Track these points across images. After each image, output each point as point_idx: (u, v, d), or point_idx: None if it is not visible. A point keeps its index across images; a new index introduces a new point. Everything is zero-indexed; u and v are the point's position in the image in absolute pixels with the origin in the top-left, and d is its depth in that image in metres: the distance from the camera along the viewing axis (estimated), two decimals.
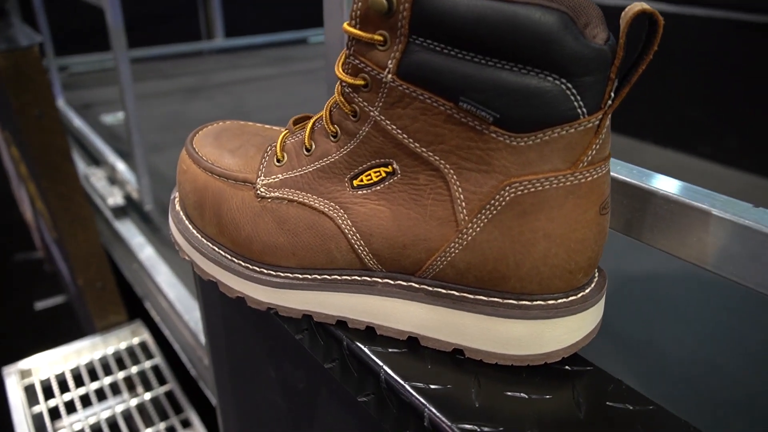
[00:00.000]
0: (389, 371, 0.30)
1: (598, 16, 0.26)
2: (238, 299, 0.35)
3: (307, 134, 0.32)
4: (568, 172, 0.26)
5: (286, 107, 2.06)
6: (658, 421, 0.27)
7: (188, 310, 1.06)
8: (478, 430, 0.26)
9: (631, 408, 0.28)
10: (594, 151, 0.26)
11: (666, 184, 0.32)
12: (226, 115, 1.98)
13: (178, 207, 0.38)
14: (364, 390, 0.32)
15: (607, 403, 0.28)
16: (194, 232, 0.36)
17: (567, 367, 0.30)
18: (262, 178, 0.33)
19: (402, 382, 0.29)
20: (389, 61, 0.26)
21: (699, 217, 0.31)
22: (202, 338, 0.99)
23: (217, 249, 0.35)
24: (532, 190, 0.27)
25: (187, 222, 0.37)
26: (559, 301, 0.29)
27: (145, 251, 1.23)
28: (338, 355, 0.33)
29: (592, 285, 0.30)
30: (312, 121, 0.33)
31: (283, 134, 0.34)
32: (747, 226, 0.29)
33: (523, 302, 0.29)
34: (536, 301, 0.29)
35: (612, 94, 0.25)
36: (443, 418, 0.27)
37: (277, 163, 0.33)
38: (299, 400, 0.41)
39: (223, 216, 0.34)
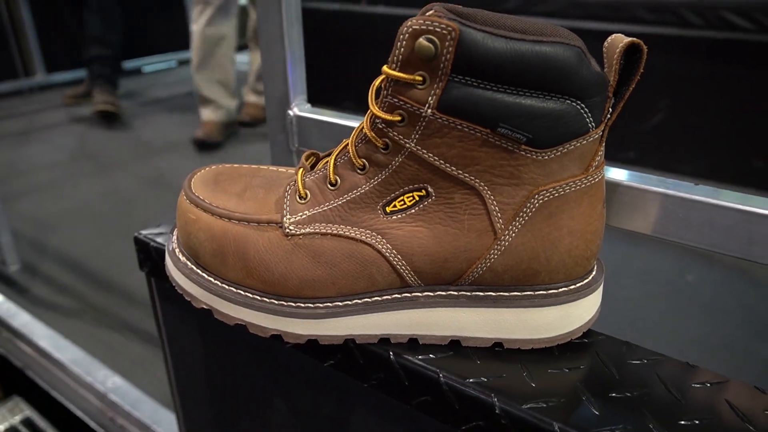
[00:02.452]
0: (447, 373, 0.33)
1: (585, 46, 0.31)
2: (273, 337, 0.36)
3: (330, 170, 0.34)
4: (582, 176, 0.32)
5: (138, 143, 1.95)
6: (668, 366, 0.34)
7: (89, 371, 0.98)
8: (545, 406, 0.31)
9: (646, 361, 0.34)
10: (599, 157, 0.32)
11: (625, 175, 0.39)
12: (73, 158, 1.82)
13: (183, 258, 0.38)
14: (418, 396, 0.35)
15: (628, 361, 0.34)
16: (212, 279, 0.36)
17: (585, 339, 0.36)
18: (289, 216, 0.35)
19: (462, 381, 0.33)
20: (430, 98, 0.30)
21: (657, 199, 0.38)
22: (113, 397, 0.92)
23: (244, 292, 0.35)
24: (556, 195, 0.32)
25: (200, 271, 0.37)
26: (579, 284, 0.34)
27: (18, 318, 1.11)
28: (383, 370, 0.35)
29: (596, 267, 0.36)
30: (333, 157, 0.35)
31: (300, 172, 0.36)
32: (697, 200, 0.36)
33: (551, 291, 0.34)
34: (561, 288, 0.34)
35: (610, 110, 0.31)
36: (513, 403, 0.31)
37: (300, 200, 0.35)
38: (324, 424, 0.43)
39: (251, 259, 0.35)
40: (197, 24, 1.80)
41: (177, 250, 0.38)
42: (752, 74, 1.43)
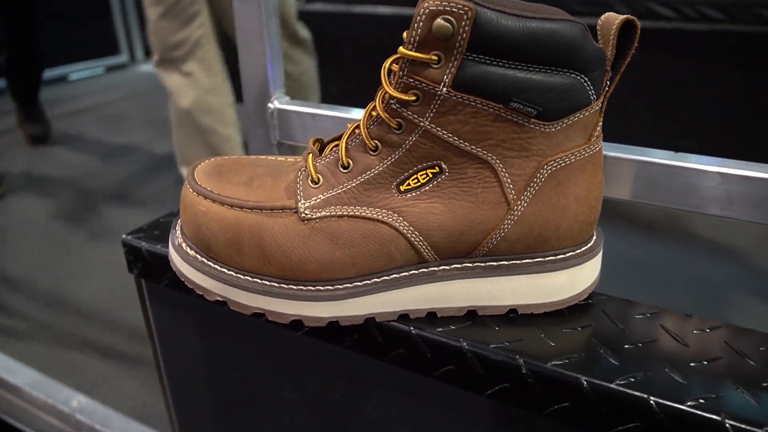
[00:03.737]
0: (470, 341, 0.34)
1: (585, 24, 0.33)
2: (293, 322, 0.36)
3: (342, 153, 0.35)
4: (586, 146, 0.34)
5: (70, 155, 1.87)
6: (668, 317, 0.36)
7: (50, 393, 0.93)
8: (568, 362, 0.33)
9: (648, 315, 0.37)
10: (599, 127, 0.34)
11: (608, 147, 0.41)
12: (9, 174, 1.72)
13: (192, 252, 0.37)
14: (441, 367, 0.36)
15: (633, 315, 0.36)
16: (226, 270, 0.36)
17: (590, 301, 0.38)
18: (303, 201, 0.35)
19: (485, 347, 0.34)
20: (445, 76, 0.31)
21: (642, 167, 0.41)
22: (81, 417, 0.88)
23: (261, 280, 0.36)
24: (563, 164, 0.34)
25: (212, 263, 0.36)
26: (584, 248, 0.36)
27: None
28: (404, 345, 0.36)
29: (595, 233, 0.38)
30: (344, 139, 0.35)
31: (310, 158, 0.36)
32: (678, 166, 0.39)
33: (560, 256, 0.36)
34: (569, 253, 0.36)
35: (608, 83, 0.34)
36: (537, 362, 0.33)
37: (313, 185, 0.35)
38: (337, 407, 0.43)
39: (267, 246, 0.35)
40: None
41: (184, 245, 0.38)
42: (677, 61, 1.53)
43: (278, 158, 0.41)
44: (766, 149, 1.52)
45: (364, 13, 2.01)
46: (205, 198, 0.36)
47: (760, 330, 0.36)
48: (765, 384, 0.31)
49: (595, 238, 0.37)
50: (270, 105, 0.54)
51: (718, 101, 1.48)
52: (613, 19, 0.32)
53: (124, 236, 0.47)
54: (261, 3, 0.50)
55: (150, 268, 0.46)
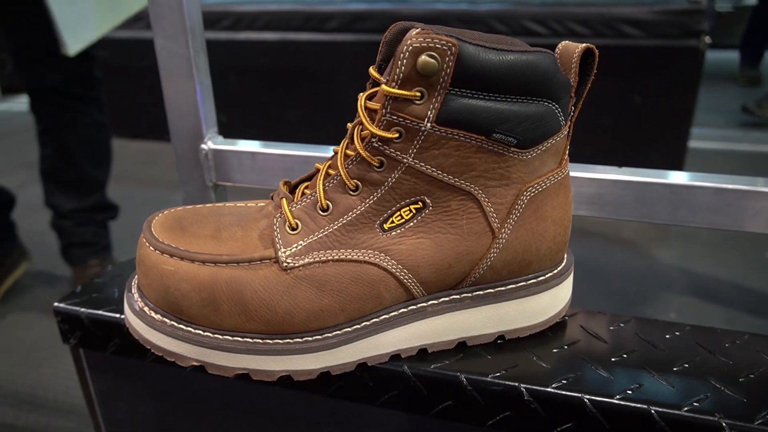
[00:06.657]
0: (467, 374, 0.34)
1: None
2: (280, 379, 0.34)
3: (320, 195, 0.34)
4: (558, 170, 0.35)
5: None
6: (640, 325, 0.38)
7: None
8: (567, 382, 0.33)
9: (622, 325, 0.38)
10: (568, 150, 0.36)
11: None
12: None
13: (158, 316, 0.34)
14: (439, 404, 0.35)
15: (609, 328, 0.38)
16: (201, 332, 0.33)
17: (566, 317, 0.39)
18: (283, 249, 0.33)
19: (484, 378, 0.34)
20: (429, 112, 0.31)
21: (588, 183, 0.43)
22: None
23: (243, 338, 0.33)
24: (540, 189, 0.34)
25: (184, 326, 0.33)
26: (561, 267, 0.37)
27: None
28: (398, 386, 0.35)
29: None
30: (320, 180, 0.34)
31: (284, 202, 0.34)
32: (629, 180, 0.42)
33: (541, 278, 0.36)
34: (548, 274, 0.37)
35: (572, 108, 0.35)
36: (540, 387, 0.33)
37: (291, 231, 0.34)
38: None
39: (249, 302, 0.33)
40: None
41: (147, 309, 0.34)
42: None
43: (238, 204, 0.39)
44: (626, 151, 1.69)
45: (249, 39, 1.97)
46: (172, 256, 0.33)
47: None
48: (742, 379, 0.33)
49: (568, 255, 0.39)
50: (203, 146, 0.51)
51: (589, 108, 1.61)
52: (572, 47, 0.34)
53: (56, 304, 0.42)
54: (188, 40, 0.47)
55: (91, 337, 0.42)
